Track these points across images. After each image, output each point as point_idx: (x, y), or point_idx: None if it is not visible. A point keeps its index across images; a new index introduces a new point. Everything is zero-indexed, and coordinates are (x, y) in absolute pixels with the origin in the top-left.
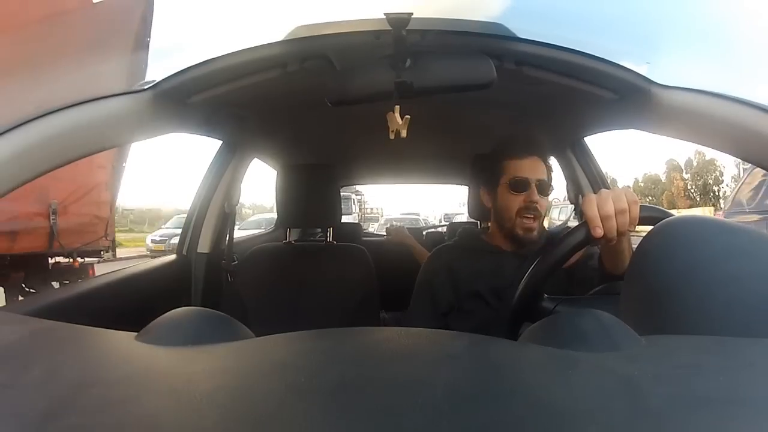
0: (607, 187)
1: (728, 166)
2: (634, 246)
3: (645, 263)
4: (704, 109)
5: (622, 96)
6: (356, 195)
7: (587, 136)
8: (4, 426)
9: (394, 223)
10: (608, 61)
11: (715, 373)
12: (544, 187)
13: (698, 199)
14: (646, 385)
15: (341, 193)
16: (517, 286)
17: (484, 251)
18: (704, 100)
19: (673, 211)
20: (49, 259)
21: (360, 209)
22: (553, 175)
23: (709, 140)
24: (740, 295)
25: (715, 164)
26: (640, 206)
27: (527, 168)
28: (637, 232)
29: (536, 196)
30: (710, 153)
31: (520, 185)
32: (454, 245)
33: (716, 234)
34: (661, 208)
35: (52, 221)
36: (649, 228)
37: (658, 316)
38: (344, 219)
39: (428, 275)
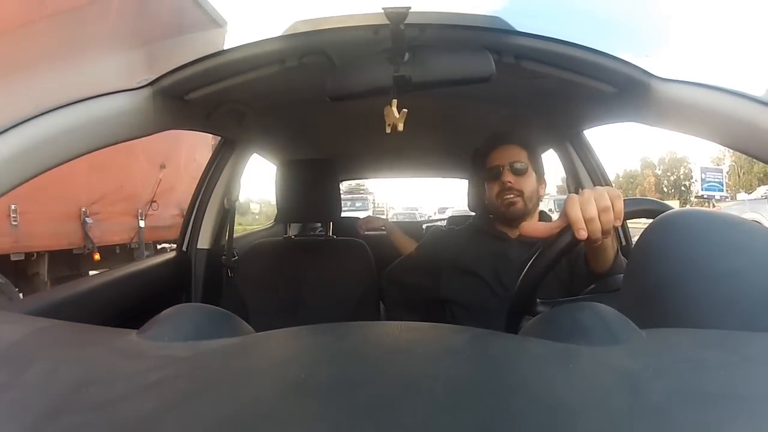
0: (608, 182)
1: (697, 163)
2: (634, 239)
3: (645, 257)
4: (704, 103)
5: (622, 89)
6: (369, 195)
7: (587, 129)
8: (4, 426)
9: (398, 216)
10: (608, 54)
11: (716, 367)
12: (518, 169)
13: (669, 193)
14: (646, 379)
15: (359, 194)
16: (515, 279)
17: (491, 235)
18: (704, 93)
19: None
20: (157, 245)
21: (373, 205)
22: (541, 160)
23: (709, 133)
24: (741, 288)
25: (685, 161)
26: (635, 199)
27: (499, 156)
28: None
29: (509, 177)
30: (681, 151)
31: (494, 173)
32: (470, 223)
33: (717, 227)
34: (655, 199)
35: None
36: (640, 221)
37: (658, 310)
38: (362, 214)
39: (432, 240)
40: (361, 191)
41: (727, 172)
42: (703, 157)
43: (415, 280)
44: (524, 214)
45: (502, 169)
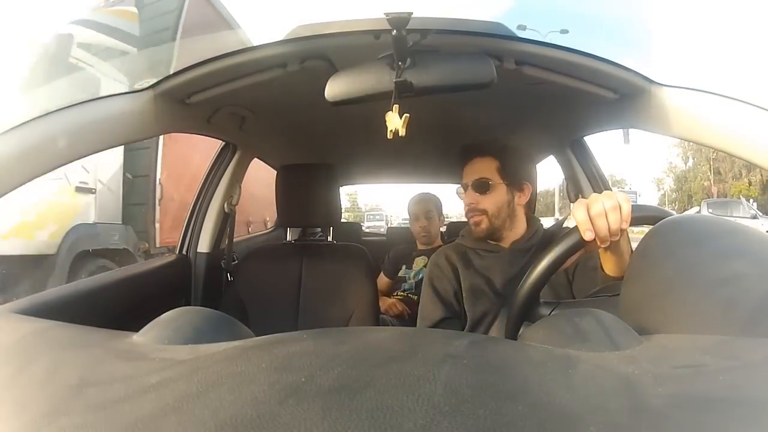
0: (608, 187)
1: (633, 184)
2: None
3: (644, 263)
4: (703, 109)
5: (622, 95)
6: (383, 212)
7: (587, 135)
8: (4, 426)
9: (401, 222)
10: (608, 60)
11: (715, 373)
12: (480, 186)
13: None
14: (645, 384)
15: (378, 212)
16: (515, 288)
17: (484, 249)
18: (703, 99)
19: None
20: None
21: (385, 218)
22: (521, 165)
23: (708, 140)
24: (740, 294)
25: (623, 183)
26: (638, 206)
27: (467, 172)
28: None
29: (472, 197)
30: (619, 174)
31: (462, 190)
32: (457, 244)
33: (716, 233)
34: (659, 207)
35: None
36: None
37: (657, 316)
38: (377, 223)
39: (433, 275)
40: (379, 210)
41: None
42: (644, 179)
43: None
44: (492, 232)
45: (467, 187)
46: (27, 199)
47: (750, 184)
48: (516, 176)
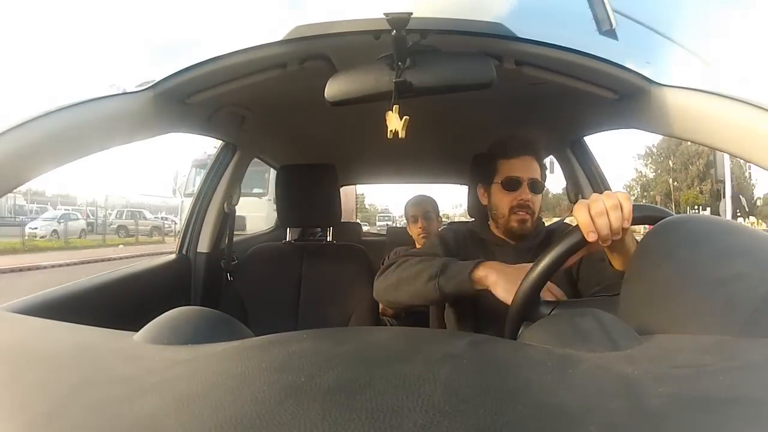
0: (608, 187)
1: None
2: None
3: (645, 263)
4: (703, 108)
5: (622, 95)
6: (391, 215)
7: (587, 135)
8: (4, 426)
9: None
10: (608, 60)
11: (716, 373)
12: (537, 186)
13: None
14: (645, 384)
15: (387, 215)
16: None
17: (491, 242)
18: (703, 99)
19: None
20: None
21: (391, 219)
22: (547, 174)
23: (709, 139)
24: (740, 294)
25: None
26: (638, 206)
27: (519, 167)
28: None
29: (528, 195)
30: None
31: (512, 184)
32: (467, 227)
33: (716, 233)
34: (659, 207)
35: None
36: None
37: (658, 316)
38: (384, 222)
39: (442, 238)
40: (387, 213)
41: (635, 199)
42: (616, 185)
43: None
44: (530, 233)
45: (521, 183)
46: (263, 208)
47: (701, 192)
48: (544, 181)
